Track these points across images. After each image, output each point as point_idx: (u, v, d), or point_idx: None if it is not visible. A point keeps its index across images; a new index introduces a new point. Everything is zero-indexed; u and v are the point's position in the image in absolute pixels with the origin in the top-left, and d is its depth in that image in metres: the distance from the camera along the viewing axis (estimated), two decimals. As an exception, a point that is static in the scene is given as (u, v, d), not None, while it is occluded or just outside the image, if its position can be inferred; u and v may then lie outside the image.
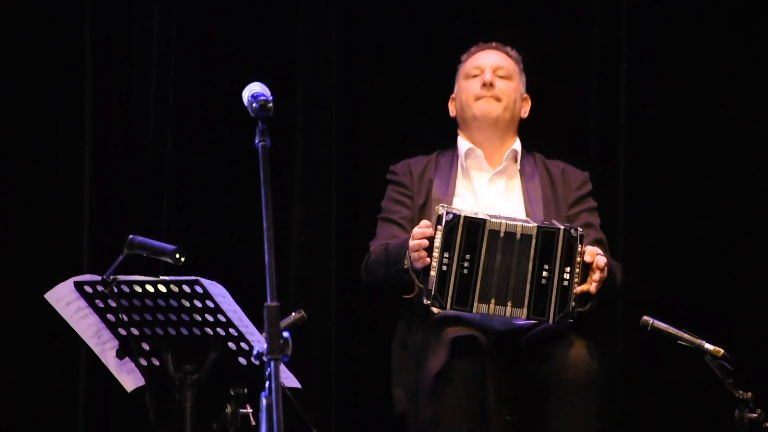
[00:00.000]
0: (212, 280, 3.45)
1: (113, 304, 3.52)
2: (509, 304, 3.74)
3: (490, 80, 4.14)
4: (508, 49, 4.30)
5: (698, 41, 5.04)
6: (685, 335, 3.91)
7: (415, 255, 3.73)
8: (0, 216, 5.17)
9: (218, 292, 3.46)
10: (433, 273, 3.72)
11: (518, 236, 3.74)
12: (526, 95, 4.27)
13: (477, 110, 4.12)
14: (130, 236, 3.66)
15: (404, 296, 3.86)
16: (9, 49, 5.17)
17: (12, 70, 5.18)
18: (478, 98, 4.14)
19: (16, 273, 5.14)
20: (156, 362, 3.61)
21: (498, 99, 4.15)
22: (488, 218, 3.73)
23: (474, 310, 3.72)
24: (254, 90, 3.13)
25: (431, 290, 3.73)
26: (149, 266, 3.90)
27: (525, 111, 4.26)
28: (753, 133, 4.99)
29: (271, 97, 3.09)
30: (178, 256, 3.62)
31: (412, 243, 3.74)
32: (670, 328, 3.94)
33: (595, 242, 4.00)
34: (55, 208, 5.15)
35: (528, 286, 3.72)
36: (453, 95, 4.30)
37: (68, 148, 5.17)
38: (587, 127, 5.07)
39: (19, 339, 5.13)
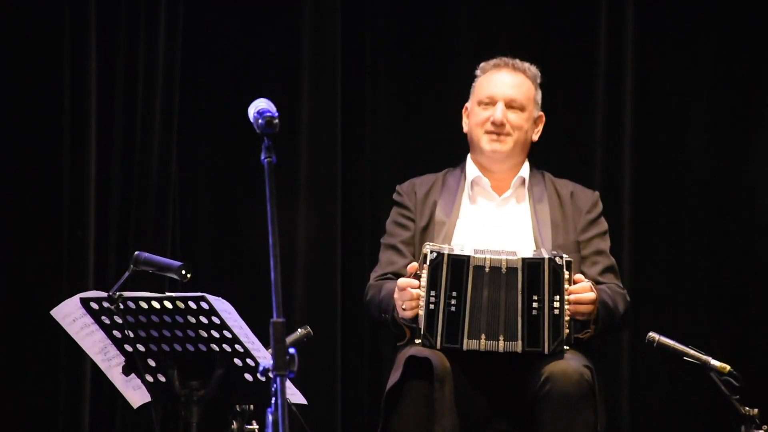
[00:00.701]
0: (218, 296, 3.46)
1: (119, 321, 3.52)
2: (501, 338, 3.73)
3: (500, 120, 4.05)
4: (527, 67, 4.16)
5: (702, 57, 5.07)
6: (691, 351, 3.90)
7: (401, 304, 3.76)
8: (5, 231, 5.17)
9: (224, 308, 3.45)
10: (421, 312, 3.75)
11: (504, 270, 3.74)
12: (540, 114, 4.17)
13: (486, 146, 4.06)
14: (136, 252, 3.66)
15: (397, 344, 3.90)
16: (16, 66, 5.18)
17: (17, 85, 5.19)
18: (487, 132, 4.07)
19: (22, 289, 5.13)
20: (162, 378, 3.60)
21: (509, 134, 4.08)
22: (472, 254, 3.74)
23: (464, 346, 3.72)
24: (260, 106, 3.13)
25: (421, 329, 3.74)
26: (155, 282, 3.92)
27: (537, 132, 4.18)
28: (758, 148, 5.01)
29: (277, 114, 3.08)
30: (184, 272, 3.63)
31: (396, 295, 3.78)
32: (676, 344, 3.93)
33: (606, 270, 4.02)
34: (60, 224, 5.15)
35: (520, 319, 3.72)
36: (467, 105, 4.23)
37: (74, 162, 5.17)
38: (594, 139, 5.10)
39: (24, 356, 5.12)
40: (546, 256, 3.74)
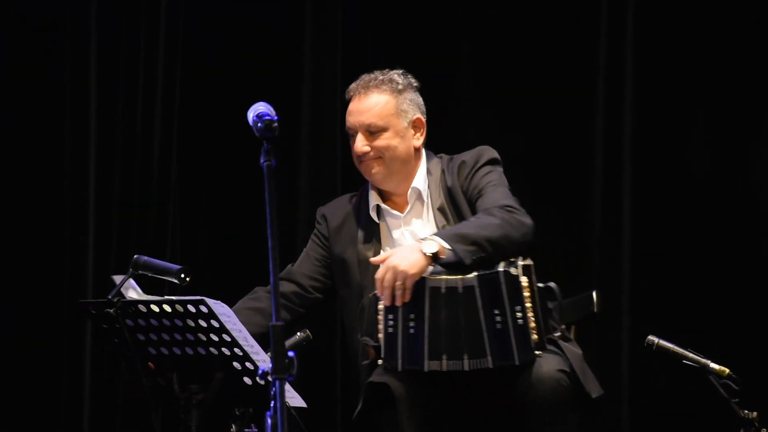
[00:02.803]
0: (217, 300, 3.48)
1: (118, 325, 3.53)
2: (466, 357, 3.69)
3: (360, 151, 3.97)
4: (381, 80, 4.03)
5: (701, 71, 5.10)
6: (690, 354, 3.92)
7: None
8: (6, 236, 5.21)
9: (223, 311, 3.46)
10: (380, 336, 3.74)
11: (460, 290, 3.68)
12: (415, 117, 4.03)
13: (366, 175, 4.02)
14: (136, 256, 3.68)
15: (362, 362, 3.89)
16: (18, 72, 5.22)
17: (20, 91, 5.24)
18: (358, 162, 4.01)
19: (22, 294, 5.18)
20: (161, 382, 3.61)
21: (379, 157, 3.99)
22: (428, 276, 3.70)
23: (426, 368, 3.70)
24: (259, 110, 3.13)
25: (382, 353, 3.73)
26: (155, 286, 3.93)
27: (419, 137, 4.05)
28: (759, 150, 5.03)
29: (276, 117, 3.09)
30: (183, 275, 3.65)
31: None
32: (676, 347, 3.94)
33: (486, 201, 3.89)
34: (61, 228, 5.19)
35: (486, 335, 3.67)
36: None
37: (74, 167, 5.22)
38: (594, 138, 5.14)
39: (25, 364, 5.17)
40: (500, 269, 3.66)
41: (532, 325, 3.66)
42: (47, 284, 5.19)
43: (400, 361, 3.70)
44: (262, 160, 3.02)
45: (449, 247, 3.63)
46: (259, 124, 3.08)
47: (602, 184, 5.13)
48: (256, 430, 3.73)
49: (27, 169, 5.23)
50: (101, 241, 5.19)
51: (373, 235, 3.99)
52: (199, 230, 5.26)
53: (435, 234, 3.68)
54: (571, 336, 4.00)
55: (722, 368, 3.87)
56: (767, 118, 5.03)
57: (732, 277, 5.05)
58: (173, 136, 5.26)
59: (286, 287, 4.04)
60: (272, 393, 3.02)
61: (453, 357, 3.69)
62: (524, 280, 3.65)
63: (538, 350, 3.65)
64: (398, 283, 3.56)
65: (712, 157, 5.09)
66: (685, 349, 3.95)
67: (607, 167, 5.12)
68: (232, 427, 3.78)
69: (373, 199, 3.99)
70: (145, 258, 3.69)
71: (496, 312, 3.65)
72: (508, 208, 3.78)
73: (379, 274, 3.60)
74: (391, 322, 3.69)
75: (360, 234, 3.98)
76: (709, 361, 3.90)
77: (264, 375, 3.10)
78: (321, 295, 4.01)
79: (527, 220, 3.78)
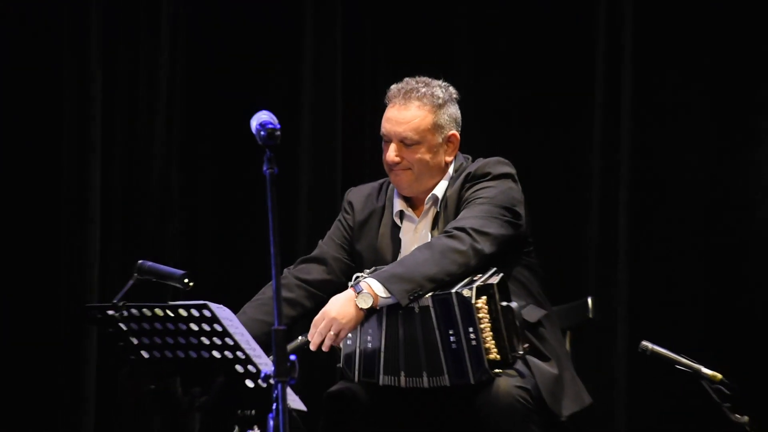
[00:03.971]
0: (220, 304, 3.49)
1: (124, 328, 3.55)
2: (425, 374, 3.72)
3: (392, 161, 3.94)
4: (423, 92, 3.96)
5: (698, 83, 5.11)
6: (683, 359, 3.89)
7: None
8: (7, 241, 5.21)
9: (226, 315, 3.47)
10: (341, 346, 3.78)
11: (417, 309, 3.69)
12: (450, 134, 3.98)
13: (392, 181, 4.02)
14: (140, 261, 3.70)
15: (338, 365, 3.92)
16: (20, 76, 5.22)
17: (20, 95, 5.23)
18: (389, 169, 3.98)
19: (24, 297, 5.19)
20: (164, 385, 3.60)
21: (408, 168, 3.95)
22: None
23: (381, 381, 3.73)
24: (262, 118, 3.16)
25: (341, 363, 3.79)
26: (158, 291, 3.96)
27: (451, 152, 3.99)
28: (753, 164, 5.05)
29: (278, 126, 3.12)
30: (186, 281, 3.66)
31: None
32: (669, 352, 3.91)
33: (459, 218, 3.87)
34: (64, 234, 5.20)
35: (442, 354, 3.68)
36: None
37: (77, 172, 5.22)
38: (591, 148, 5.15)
39: (26, 371, 5.18)
40: (453, 290, 3.68)
41: (490, 344, 3.65)
42: (46, 288, 5.20)
43: (357, 373, 3.76)
44: (264, 168, 3.04)
45: (385, 293, 3.65)
46: (261, 133, 3.11)
47: (599, 190, 5.13)
48: (258, 432, 3.70)
49: (25, 175, 5.22)
50: (105, 246, 5.21)
51: (393, 238, 4.00)
52: (201, 233, 5.28)
53: (373, 275, 3.70)
54: (567, 343, 4.04)
55: (714, 373, 3.84)
56: (760, 123, 5.05)
57: (725, 283, 5.05)
58: (175, 142, 5.28)
59: (313, 272, 4.06)
60: (274, 395, 3.04)
61: (412, 374, 3.74)
62: (481, 301, 3.65)
63: (498, 368, 3.66)
64: (331, 333, 3.64)
65: (705, 163, 5.09)
66: (679, 354, 3.91)
67: (604, 174, 5.12)
68: (234, 430, 3.74)
69: (398, 204, 3.99)
70: (149, 263, 3.70)
71: (451, 332, 3.67)
72: (456, 233, 3.75)
73: (316, 321, 3.68)
74: (350, 338, 3.74)
75: (381, 235, 4.01)
76: (701, 367, 3.86)
77: (266, 378, 3.15)
78: (346, 280, 3.97)
79: (465, 247, 3.73)
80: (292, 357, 3.07)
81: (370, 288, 3.65)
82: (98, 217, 5.21)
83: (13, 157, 5.21)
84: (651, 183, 5.11)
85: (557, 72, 5.18)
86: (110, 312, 3.54)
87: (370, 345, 3.75)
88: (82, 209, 5.20)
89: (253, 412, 3.72)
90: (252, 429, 3.72)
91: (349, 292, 3.70)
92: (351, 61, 5.27)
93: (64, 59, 5.23)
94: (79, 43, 5.22)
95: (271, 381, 3.05)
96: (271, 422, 3.12)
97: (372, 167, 5.09)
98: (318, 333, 3.67)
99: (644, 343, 3.96)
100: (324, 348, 3.67)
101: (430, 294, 3.68)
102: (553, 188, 5.11)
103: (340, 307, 3.67)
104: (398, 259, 3.90)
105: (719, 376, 3.84)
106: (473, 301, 3.62)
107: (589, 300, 4.21)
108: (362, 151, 5.22)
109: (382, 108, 4.05)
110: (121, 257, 5.17)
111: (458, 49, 5.27)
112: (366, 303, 3.64)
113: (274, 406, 3.08)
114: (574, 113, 5.20)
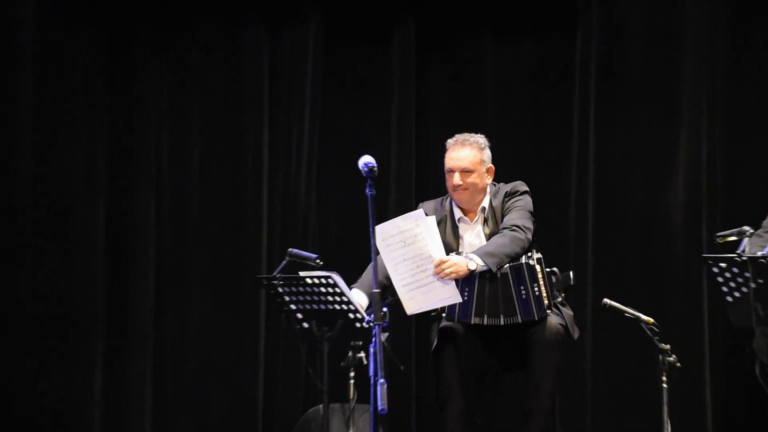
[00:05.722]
0: (337, 274, 4.56)
1: (280, 291, 4.62)
2: (501, 316, 4.76)
3: (456, 185, 4.96)
4: (473, 140, 4.99)
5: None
6: (630, 310, 4.86)
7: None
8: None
9: (342, 283, 4.60)
10: (437, 310, 4.86)
11: (499, 275, 4.79)
12: (489, 166, 5.02)
13: (455, 198, 5.03)
14: (289, 248, 4.89)
15: (431, 313, 4.91)
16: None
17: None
18: (453, 190, 5.00)
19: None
20: (306, 326, 4.71)
21: (466, 188, 4.98)
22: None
23: (471, 321, 4.78)
24: (366, 160, 4.34)
25: (445, 309, 4.86)
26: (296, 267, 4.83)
27: (490, 177, 5.01)
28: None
29: (376, 165, 4.34)
30: (317, 261, 4.85)
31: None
32: (621, 306, 4.89)
33: (509, 220, 4.87)
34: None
35: (516, 302, 4.73)
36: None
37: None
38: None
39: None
40: (523, 261, 4.75)
41: (544, 295, 4.81)
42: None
43: (456, 315, 4.89)
44: (367, 191, 4.25)
45: (482, 263, 4.76)
46: (365, 169, 4.31)
47: (575, 194, 6.11)
48: (363, 354, 4.65)
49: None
50: (271, 241, 6.06)
51: (455, 235, 5.10)
52: (328, 233, 6.25)
53: (474, 252, 4.77)
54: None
55: (649, 318, 4.84)
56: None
57: (652, 271, 5.93)
58: (314, 166, 6.14)
59: None
60: (373, 332, 4.10)
61: (492, 316, 4.83)
62: (538, 268, 4.82)
63: (548, 310, 4.85)
64: (452, 270, 4.71)
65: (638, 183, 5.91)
66: (627, 307, 4.88)
67: (578, 181, 6.06)
68: (349, 353, 4.76)
69: (458, 212, 5.11)
70: (295, 250, 4.86)
71: (522, 288, 4.80)
72: (515, 228, 4.88)
73: (443, 261, 4.66)
74: (455, 295, 4.74)
75: (446, 233, 5.07)
76: (641, 314, 4.83)
77: (369, 321, 4.25)
78: None
79: (523, 236, 4.85)
80: (385, 309, 4.18)
81: (474, 260, 4.72)
82: (266, 216, 6.12)
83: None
84: (610, 192, 5.97)
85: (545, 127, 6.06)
86: (273, 281, 4.65)
87: (466, 297, 4.78)
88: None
89: (361, 342, 4.72)
90: (360, 353, 4.74)
91: (463, 257, 4.71)
92: (419, 125, 6.34)
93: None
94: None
95: (372, 324, 4.10)
96: (372, 349, 4.11)
97: (419, 191, 6.24)
98: (448, 264, 4.60)
99: (605, 300, 5.02)
100: (444, 276, 4.57)
101: (507, 264, 4.76)
102: (543, 199, 5.57)
103: (460, 261, 4.66)
104: (460, 248, 4.99)
105: (651, 320, 4.86)
106: (537, 268, 4.80)
107: (571, 273, 5.16)
108: (427, 180, 6.27)
109: (432, 155, 5.16)
110: (280, 246, 6.13)
111: (486, 116, 6.21)
112: (474, 265, 4.69)
113: (373, 339, 4.08)
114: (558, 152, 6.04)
